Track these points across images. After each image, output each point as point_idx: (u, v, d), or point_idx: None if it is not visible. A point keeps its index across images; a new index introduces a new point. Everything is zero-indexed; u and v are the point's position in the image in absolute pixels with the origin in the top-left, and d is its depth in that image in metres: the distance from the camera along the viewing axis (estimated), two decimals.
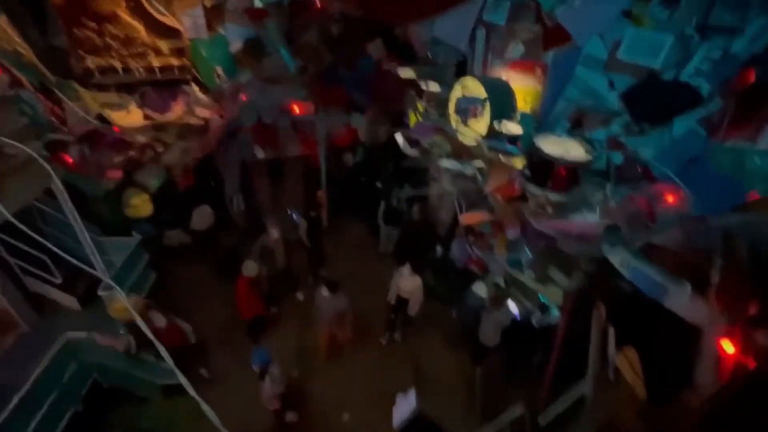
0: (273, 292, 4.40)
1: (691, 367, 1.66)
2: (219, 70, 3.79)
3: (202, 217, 4.72)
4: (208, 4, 3.53)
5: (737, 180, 1.85)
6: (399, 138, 3.62)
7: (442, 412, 3.75)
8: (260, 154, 4.87)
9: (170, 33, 3.60)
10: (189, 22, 3.56)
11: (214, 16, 3.62)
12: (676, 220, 2.17)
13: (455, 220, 4.11)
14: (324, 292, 3.69)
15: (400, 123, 3.75)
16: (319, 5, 3.80)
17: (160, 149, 3.92)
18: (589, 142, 2.43)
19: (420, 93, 3.22)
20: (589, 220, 2.66)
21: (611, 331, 2.36)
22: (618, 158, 2.40)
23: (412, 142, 3.51)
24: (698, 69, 1.98)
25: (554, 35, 2.47)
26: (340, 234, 5.45)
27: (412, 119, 3.54)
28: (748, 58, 1.78)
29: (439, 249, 4.68)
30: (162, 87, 3.70)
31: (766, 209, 1.86)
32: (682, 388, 1.71)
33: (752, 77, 1.73)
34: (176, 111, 3.71)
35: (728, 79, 1.84)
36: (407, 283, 3.87)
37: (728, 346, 1.57)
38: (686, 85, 2.04)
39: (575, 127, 2.64)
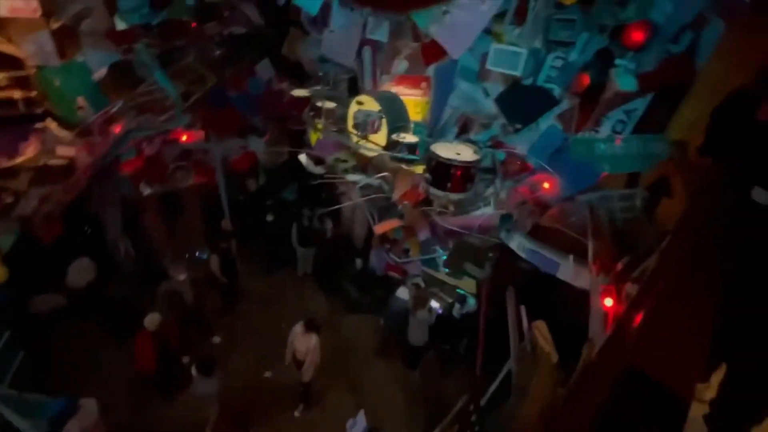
0: (185, 340, 3.89)
1: (586, 326, 1.94)
2: (81, 100, 3.27)
3: (80, 271, 3.98)
4: (54, 26, 3.04)
5: (591, 163, 2.25)
6: (302, 158, 3.56)
7: (393, 422, 3.73)
8: (147, 189, 4.31)
9: (7, 61, 3.00)
10: (33, 48, 3.01)
11: (66, 40, 3.12)
12: (552, 202, 2.55)
13: (370, 232, 4.18)
14: (195, 372, 3.03)
15: (301, 142, 3.70)
16: (194, 26, 3.56)
17: (9, 199, 3.21)
18: (476, 144, 2.72)
19: (317, 111, 3.23)
20: (486, 212, 2.98)
21: (522, 309, 2.63)
22: (501, 155, 2.73)
23: (316, 160, 3.48)
24: (549, 76, 2.38)
25: (432, 51, 2.72)
26: (252, 263, 5.10)
27: (313, 137, 3.52)
28: (582, 65, 2.19)
29: (358, 262, 4.70)
30: (5, 125, 3.05)
31: (614, 185, 2.29)
32: (582, 344, 1.98)
33: (587, 80, 2.13)
34: (28, 152, 3.09)
35: (571, 83, 2.24)
36: (301, 343, 3.34)
37: (608, 301, 1.88)
38: (543, 89, 2.43)
39: (463, 132, 2.94)
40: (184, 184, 4.33)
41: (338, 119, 3.27)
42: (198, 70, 3.72)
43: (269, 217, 4.71)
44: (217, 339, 4.23)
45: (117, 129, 3.52)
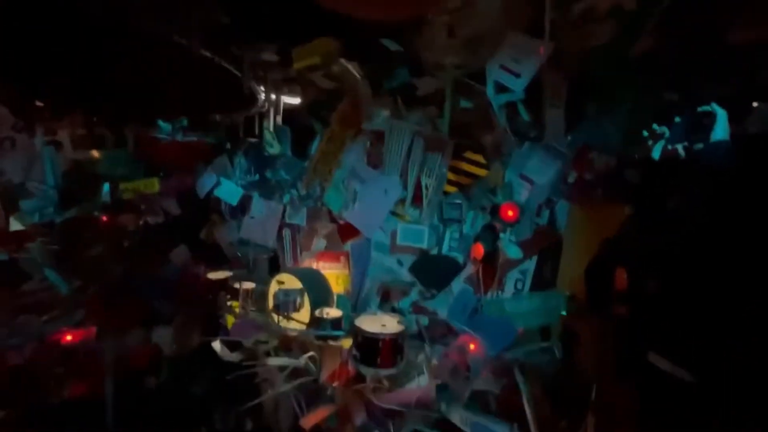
0: None
1: None
2: None
3: None
4: None
5: (506, 321, 2.39)
6: (216, 345, 3.20)
7: None
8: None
9: None
10: None
11: None
12: (482, 364, 2.54)
13: (296, 426, 3.58)
14: None
15: (216, 328, 3.39)
16: (105, 220, 3.51)
17: None
18: (400, 312, 2.78)
19: (234, 293, 3.11)
20: (422, 383, 2.82)
21: None
22: (425, 320, 2.79)
23: (232, 346, 3.15)
24: (450, 246, 2.71)
25: (346, 231, 2.99)
26: None
27: (230, 320, 3.28)
28: (475, 237, 2.56)
29: None
30: None
31: (530, 341, 2.40)
32: None
33: (481, 250, 2.46)
34: None
35: (469, 251, 2.57)
36: None
37: None
38: (448, 256, 2.72)
39: (385, 300, 3.01)
40: (56, 399, 3.45)
41: (258, 299, 3.16)
42: (102, 262, 3.48)
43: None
44: None
45: None
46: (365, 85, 2.33)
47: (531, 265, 2.44)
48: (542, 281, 2.43)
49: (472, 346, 2.58)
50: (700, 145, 1.12)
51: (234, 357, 3.24)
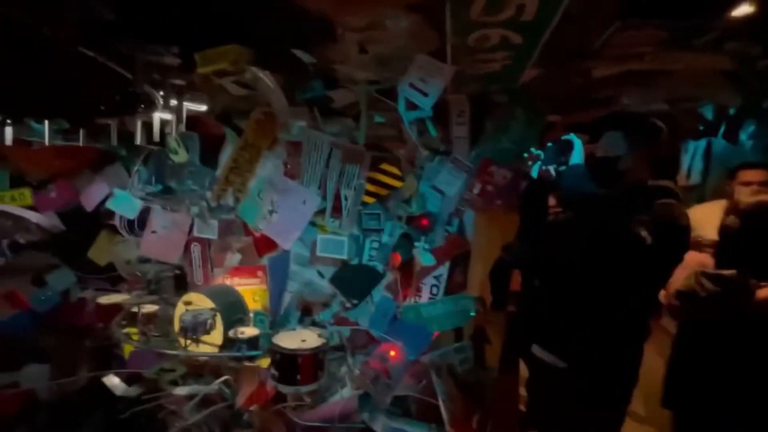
0: None
1: None
2: None
3: None
4: None
5: (422, 326, 2.50)
6: (109, 379, 2.81)
7: None
8: None
9: None
10: None
11: None
12: (402, 369, 2.62)
13: None
14: None
15: (108, 360, 2.97)
16: None
17: None
18: (321, 325, 2.73)
19: (131, 318, 2.76)
20: (345, 395, 2.81)
21: None
22: (346, 331, 2.78)
23: (130, 380, 2.79)
24: (370, 255, 2.76)
25: (263, 244, 2.86)
26: None
27: (127, 350, 2.90)
28: (393, 246, 2.65)
29: None
30: None
31: (447, 342, 2.55)
32: None
33: (398, 258, 2.55)
34: None
35: (388, 260, 2.64)
36: None
37: None
38: (368, 266, 2.77)
39: (305, 314, 2.94)
40: None
41: (161, 323, 2.85)
42: None
43: None
44: None
45: None
46: (280, 95, 2.27)
47: (444, 270, 2.60)
48: (455, 285, 2.60)
49: (392, 353, 2.64)
50: (563, 168, 1.33)
51: (131, 391, 2.86)
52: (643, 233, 1.15)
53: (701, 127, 2.69)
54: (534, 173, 1.42)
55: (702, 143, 2.91)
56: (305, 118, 2.61)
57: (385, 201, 2.68)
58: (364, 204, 2.68)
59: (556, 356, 1.35)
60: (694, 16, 1.55)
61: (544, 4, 1.42)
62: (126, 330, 2.84)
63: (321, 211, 2.75)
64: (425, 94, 1.95)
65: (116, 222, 3.11)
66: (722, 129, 2.65)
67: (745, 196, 1.92)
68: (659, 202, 1.28)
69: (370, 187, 2.65)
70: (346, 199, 2.68)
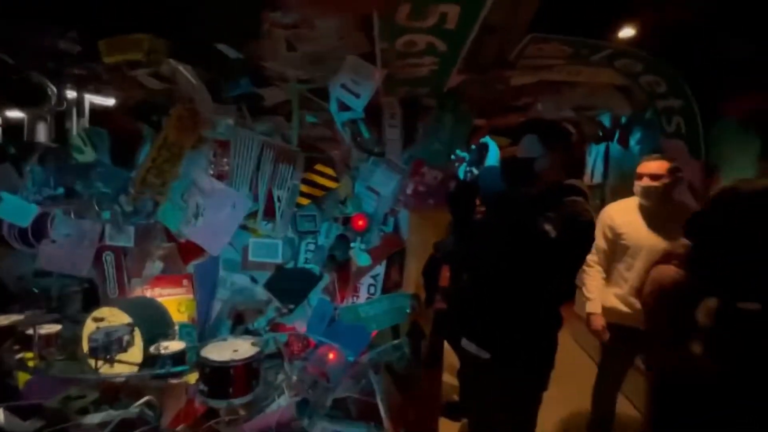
0: None
1: None
2: None
3: None
4: None
5: (360, 327, 2.51)
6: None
7: None
8: None
9: None
10: None
11: None
12: (341, 371, 2.60)
13: None
14: None
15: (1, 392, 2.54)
16: None
17: None
18: (255, 333, 2.61)
19: (27, 342, 2.39)
20: (282, 403, 2.71)
21: None
22: (283, 337, 2.69)
23: (27, 412, 2.41)
24: (306, 258, 2.70)
25: (188, 250, 2.66)
26: None
27: (22, 378, 2.50)
28: (329, 247, 2.62)
29: None
30: None
31: (382, 341, 2.59)
32: None
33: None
34: None
35: (324, 262, 2.61)
36: None
37: None
38: (305, 269, 2.70)
39: (237, 323, 2.79)
40: None
41: (65, 344, 2.51)
42: None
43: None
44: None
45: None
46: (203, 91, 2.13)
47: (381, 270, 2.63)
48: (392, 284, 2.64)
49: (331, 356, 2.62)
50: (480, 168, 1.43)
51: (28, 426, 2.47)
52: (548, 227, 1.27)
53: (600, 133, 3.06)
54: (460, 174, 1.50)
55: (602, 147, 3.33)
56: (233, 116, 2.48)
57: (320, 202, 2.64)
58: (299, 206, 2.62)
59: (481, 348, 1.44)
60: (590, 35, 1.76)
61: (464, 13, 1.51)
62: (20, 356, 2.46)
63: (253, 214, 2.64)
64: (357, 96, 1.96)
65: (4, 232, 2.68)
66: (617, 135, 3.05)
67: (639, 187, 2.20)
68: (567, 199, 1.43)
69: (305, 189, 2.60)
70: (279, 200, 2.60)
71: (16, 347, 2.43)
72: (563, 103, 2.49)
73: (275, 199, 2.58)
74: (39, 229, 2.70)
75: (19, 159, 2.77)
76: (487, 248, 1.37)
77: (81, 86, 1.67)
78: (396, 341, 2.62)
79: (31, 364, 2.40)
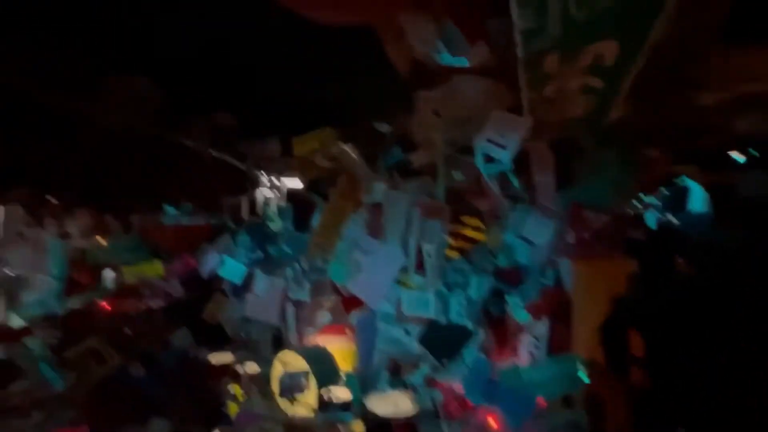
0: None
1: None
2: None
3: None
4: None
5: (524, 392, 2.25)
6: None
7: None
8: None
9: None
10: None
11: None
12: None
13: None
14: None
15: (218, 418, 3.18)
16: (107, 308, 3.47)
17: None
18: (411, 387, 2.64)
19: (237, 378, 2.97)
20: None
21: None
22: (439, 396, 2.63)
23: None
24: (458, 312, 2.65)
25: (351, 302, 2.94)
26: None
27: (233, 409, 3.09)
28: (483, 301, 2.52)
29: None
30: None
31: (557, 409, 2.25)
32: None
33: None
34: None
35: (478, 317, 2.51)
36: None
37: None
38: (457, 324, 2.65)
39: (395, 375, 2.87)
40: None
41: (262, 384, 3.01)
42: (98, 352, 3.37)
43: None
44: None
45: None
46: (362, 164, 2.46)
47: (544, 328, 2.37)
48: (557, 345, 2.33)
49: (492, 422, 2.40)
50: (681, 215, 1.16)
51: None
52: None
53: None
54: (651, 223, 1.27)
55: None
56: (386, 181, 2.76)
57: (470, 255, 2.61)
58: (448, 259, 2.64)
59: None
60: None
61: (625, 48, 1.37)
62: (232, 389, 3.06)
63: (405, 269, 2.77)
64: (503, 147, 1.94)
65: (225, 286, 3.50)
66: None
67: None
68: None
69: (453, 242, 2.62)
70: (429, 255, 2.68)
71: (231, 381, 3.05)
72: None
73: (425, 254, 2.67)
74: (246, 284, 3.44)
75: (234, 231, 3.67)
76: (705, 312, 1.08)
77: (280, 174, 2.17)
78: (570, 413, 2.25)
79: (239, 398, 2.95)
